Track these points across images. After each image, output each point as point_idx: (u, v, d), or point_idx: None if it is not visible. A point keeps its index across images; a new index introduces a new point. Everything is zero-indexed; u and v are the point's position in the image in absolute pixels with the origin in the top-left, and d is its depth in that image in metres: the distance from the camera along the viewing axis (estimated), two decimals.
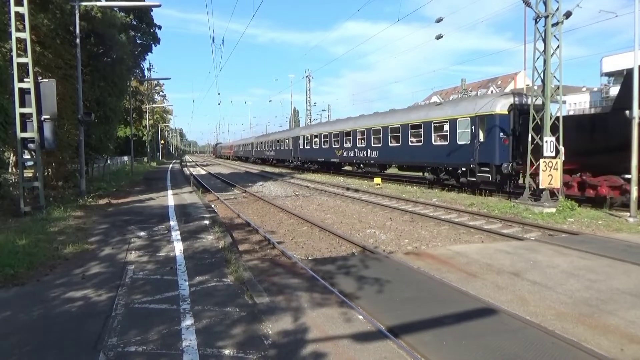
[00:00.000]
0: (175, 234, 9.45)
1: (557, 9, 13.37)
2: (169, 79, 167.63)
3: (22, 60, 11.36)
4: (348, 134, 28.27)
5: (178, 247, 8.19)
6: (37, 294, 5.60)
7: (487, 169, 16.49)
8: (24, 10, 11.21)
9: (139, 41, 27.40)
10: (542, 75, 13.80)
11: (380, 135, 24.05)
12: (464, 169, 17.77)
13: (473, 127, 17.07)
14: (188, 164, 66.27)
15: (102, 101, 20.16)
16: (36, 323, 4.70)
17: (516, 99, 16.38)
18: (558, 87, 13.74)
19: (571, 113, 33.50)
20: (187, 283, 6.02)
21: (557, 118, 13.64)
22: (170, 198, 16.64)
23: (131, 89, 34.25)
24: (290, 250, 9.03)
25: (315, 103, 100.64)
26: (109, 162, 29.30)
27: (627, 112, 12.32)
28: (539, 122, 13.81)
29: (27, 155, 12.14)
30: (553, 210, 12.80)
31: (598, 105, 46.39)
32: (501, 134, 16.07)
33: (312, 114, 56.53)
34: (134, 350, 4.04)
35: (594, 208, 13.33)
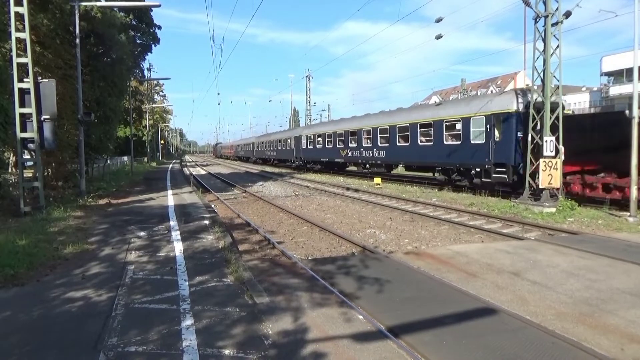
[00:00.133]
0: (175, 234, 9.45)
1: (557, 8, 13.37)
2: (169, 79, 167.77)
3: (22, 60, 11.36)
4: (353, 133, 27.59)
5: (178, 247, 8.19)
6: (37, 294, 5.60)
7: (504, 169, 15.75)
8: (23, 10, 11.21)
9: (138, 41, 27.41)
10: (542, 75, 13.80)
11: (388, 135, 23.36)
12: (478, 170, 17.06)
13: (488, 126, 16.38)
14: (188, 164, 66.25)
15: (102, 101, 20.16)
16: (36, 323, 4.70)
17: (536, 95, 15.55)
18: (558, 87, 13.74)
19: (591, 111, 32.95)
20: (187, 283, 6.02)
21: (557, 117, 13.63)
22: (170, 198, 16.64)
23: (131, 89, 34.25)
24: (290, 250, 9.03)
25: (315, 103, 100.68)
26: (108, 162, 29.30)
27: (627, 111, 12.34)
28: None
29: (27, 156, 12.14)
30: (553, 209, 12.80)
31: (598, 105, 46.42)
32: (519, 133, 15.30)
33: (312, 113, 56.54)
34: (134, 350, 4.04)
35: (594, 208, 13.33)
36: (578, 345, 4.32)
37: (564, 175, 14.44)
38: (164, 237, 9.16)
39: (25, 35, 11.27)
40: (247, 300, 5.40)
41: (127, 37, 22.97)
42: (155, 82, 63.58)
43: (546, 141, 13.28)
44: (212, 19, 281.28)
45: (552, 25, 13.43)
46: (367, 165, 26.49)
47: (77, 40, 15.20)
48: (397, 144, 22.60)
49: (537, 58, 13.85)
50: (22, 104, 11.31)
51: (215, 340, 4.27)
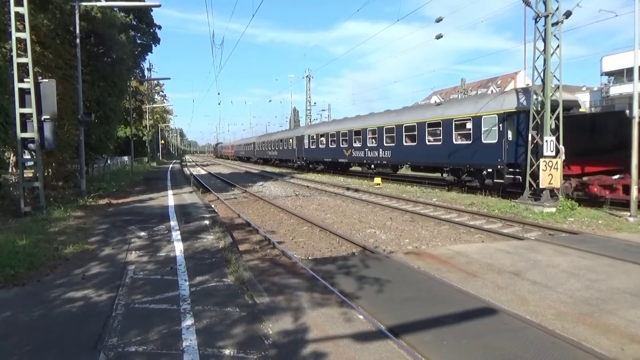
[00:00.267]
0: (176, 234, 9.45)
1: (557, 8, 13.37)
2: (169, 79, 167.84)
3: (22, 60, 11.36)
4: (358, 132, 27.09)
5: (178, 247, 8.19)
6: (37, 294, 5.60)
7: (517, 170, 15.22)
8: (24, 10, 11.22)
9: (138, 41, 27.42)
10: (542, 74, 13.80)
11: (394, 134, 22.88)
12: (489, 170, 16.49)
13: (501, 125, 15.83)
14: (188, 164, 66.27)
15: (102, 101, 20.17)
16: (36, 323, 4.70)
17: (549, 93, 14.80)
18: (558, 87, 13.73)
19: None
20: (187, 283, 6.02)
21: (558, 117, 13.63)
22: (170, 198, 16.64)
23: (131, 89, 34.25)
24: (290, 250, 9.03)
25: (315, 103, 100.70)
26: (109, 162, 29.31)
27: (627, 111, 12.33)
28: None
29: (27, 156, 12.14)
30: (553, 209, 12.80)
31: (598, 105, 46.41)
32: (532, 133, 14.48)
33: (312, 113, 56.55)
34: (134, 350, 4.04)
35: (594, 208, 13.33)
36: (578, 345, 4.32)
37: (581, 175, 14.09)
38: (164, 237, 9.16)
39: (26, 35, 11.27)
40: (248, 300, 5.40)
41: (127, 37, 22.98)
42: (155, 82, 63.69)
43: (546, 141, 13.27)
44: (212, 19, 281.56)
45: (553, 25, 13.43)
46: (372, 166, 26.02)
47: (77, 40, 15.21)
48: (404, 143, 22.10)
49: (538, 58, 13.85)
50: (23, 104, 11.31)
51: (215, 340, 4.28)
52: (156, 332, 4.44)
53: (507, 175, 15.67)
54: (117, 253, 7.80)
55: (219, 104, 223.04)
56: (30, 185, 12.24)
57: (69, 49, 16.27)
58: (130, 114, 35.99)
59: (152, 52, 36.66)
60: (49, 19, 15.40)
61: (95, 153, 21.67)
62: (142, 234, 9.56)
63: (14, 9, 11.18)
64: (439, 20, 18.50)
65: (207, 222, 11.04)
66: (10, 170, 14.34)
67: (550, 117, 13.61)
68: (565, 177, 14.02)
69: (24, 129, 11.44)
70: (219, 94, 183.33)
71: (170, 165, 53.76)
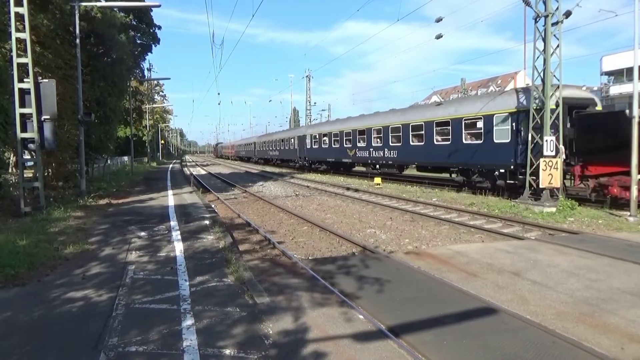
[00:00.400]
0: (176, 234, 9.45)
1: (557, 8, 13.36)
2: (169, 79, 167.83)
3: (22, 60, 11.37)
4: (362, 132, 26.47)
5: (178, 247, 8.19)
6: (37, 294, 5.60)
7: (531, 170, 14.40)
8: (23, 10, 11.22)
9: (138, 41, 27.43)
10: (542, 74, 13.79)
11: (400, 134, 22.28)
12: (502, 171, 15.88)
13: (514, 124, 15.20)
14: (188, 164, 66.28)
15: (102, 101, 20.17)
16: (37, 323, 4.70)
17: (567, 91, 14.53)
18: (558, 87, 13.73)
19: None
20: (187, 283, 6.02)
21: (558, 117, 13.62)
22: (170, 198, 16.64)
23: (131, 89, 34.26)
24: (290, 250, 9.03)
25: (315, 103, 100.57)
26: (109, 162, 29.31)
27: (627, 110, 12.33)
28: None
29: (27, 156, 12.14)
30: (553, 209, 12.80)
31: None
32: (550, 131, 13.97)
33: (312, 113, 56.53)
34: (134, 350, 4.04)
35: (594, 207, 13.32)
36: (578, 345, 4.32)
37: (598, 176, 13.63)
38: (164, 237, 9.16)
39: (26, 35, 11.27)
40: (248, 300, 5.40)
41: (127, 37, 22.98)
42: (155, 82, 63.68)
43: (546, 141, 13.26)
44: (212, 19, 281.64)
45: (552, 24, 13.43)
46: (377, 166, 25.50)
47: (77, 41, 15.21)
48: (411, 143, 21.51)
49: (538, 58, 13.85)
50: (23, 104, 11.32)
51: (215, 340, 4.28)
52: (156, 332, 4.44)
53: (520, 176, 15.07)
54: (117, 253, 7.80)
55: (219, 104, 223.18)
56: (30, 185, 12.24)
57: (69, 49, 16.27)
58: (130, 114, 36.00)
59: (152, 52, 36.71)
60: (48, 19, 15.41)
61: (95, 153, 21.67)
62: (142, 234, 9.56)
63: (13, 9, 11.18)
64: (439, 20, 18.50)
65: (207, 222, 11.04)
66: (10, 170, 14.35)
67: (560, 116, 13.11)
68: (583, 177, 13.58)
69: (24, 129, 11.44)
70: (219, 94, 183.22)
71: (170, 166, 53.77)
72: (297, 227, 11.94)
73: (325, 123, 39.38)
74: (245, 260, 7.67)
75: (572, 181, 15.17)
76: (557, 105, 13.70)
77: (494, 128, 16.18)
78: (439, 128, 19.44)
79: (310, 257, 8.44)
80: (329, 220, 12.95)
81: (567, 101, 14.17)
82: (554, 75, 13.70)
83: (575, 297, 5.76)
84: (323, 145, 32.94)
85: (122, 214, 12.63)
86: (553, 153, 13.29)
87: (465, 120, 17.77)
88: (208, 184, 25.42)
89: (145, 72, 43.22)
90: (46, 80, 11.98)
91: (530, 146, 14.01)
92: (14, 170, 14.01)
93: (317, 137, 34.11)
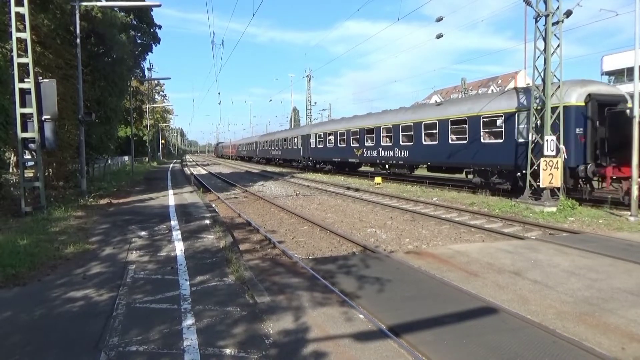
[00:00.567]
0: (176, 234, 9.45)
1: (558, 7, 13.35)
2: (169, 78, 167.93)
3: (23, 60, 11.37)
4: (370, 131, 25.64)
5: (179, 247, 8.20)
6: (38, 294, 5.61)
7: None
8: (24, 10, 11.22)
9: (139, 41, 27.39)
10: (542, 74, 13.78)
11: (412, 133, 21.43)
12: (525, 172, 14.63)
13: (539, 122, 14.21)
14: (188, 163, 66.32)
15: (103, 101, 20.17)
16: (37, 323, 4.71)
17: (594, 87, 14.06)
18: (558, 86, 13.72)
19: None
20: (188, 283, 6.02)
21: (558, 116, 13.61)
22: (171, 198, 16.65)
23: (131, 88, 34.27)
24: (291, 249, 9.03)
25: (315, 102, 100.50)
26: (109, 162, 29.33)
27: (628, 110, 12.31)
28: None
29: (27, 156, 12.14)
30: (554, 209, 12.79)
31: None
32: (577, 130, 13.58)
33: (313, 113, 56.41)
34: (135, 350, 4.05)
35: (594, 207, 13.31)
36: (579, 345, 4.32)
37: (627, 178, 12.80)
38: (164, 237, 9.16)
39: (26, 35, 11.28)
40: (248, 299, 5.41)
41: (128, 37, 22.97)
42: (155, 81, 63.67)
43: (547, 140, 13.25)
44: (213, 19, 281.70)
45: (553, 24, 13.42)
46: (387, 166, 24.87)
47: (78, 40, 15.22)
48: (423, 142, 20.65)
49: (538, 57, 13.84)
50: (23, 104, 11.32)
51: (216, 339, 4.28)
52: (157, 331, 4.44)
53: None
54: (118, 253, 7.81)
55: (220, 103, 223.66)
56: (31, 185, 12.25)
57: (70, 49, 16.27)
58: (131, 113, 36.00)
59: (152, 52, 36.79)
60: (49, 19, 15.42)
61: (96, 153, 21.68)
62: (143, 233, 9.56)
63: (14, 9, 11.19)
64: (439, 19, 18.47)
65: (207, 221, 11.05)
66: (11, 170, 14.37)
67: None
68: (617, 180, 13.08)
69: (24, 129, 11.45)
70: (219, 93, 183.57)
71: (171, 165, 53.77)
72: (297, 227, 11.94)
73: (330, 122, 38.18)
74: (245, 259, 7.68)
75: (600, 183, 14.45)
76: (585, 102, 13.09)
77: (517, 127, 15.28)
78: (455, 126, 18.60)
79: (310, 257, 8.44)
80: (330, 220, 12.96)
81: (595, 98, 13.50)
82: (555, 75, 13.69)
83: (575, 296, 5.76)
84: (328, 145, 32.08)
85: (122, 213, 12.64)
86: (554, 153, 13.28)
87: (483, 118, 16.93)
88: (208, 184, 25.43)
89: (146, 72, 43.19)
90: (47, 80, 11.98)
91: (531, 145, 13.97)
92: (15, 170, 14.03)
93: (322, 136, 33.21)
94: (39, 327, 4.59)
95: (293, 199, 18.11)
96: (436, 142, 19.80)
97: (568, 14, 13.36)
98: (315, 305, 5.32)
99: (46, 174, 15.13)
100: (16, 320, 4.80)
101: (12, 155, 14.23)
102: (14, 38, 11.27)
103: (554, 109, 13.70)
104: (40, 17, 14.74)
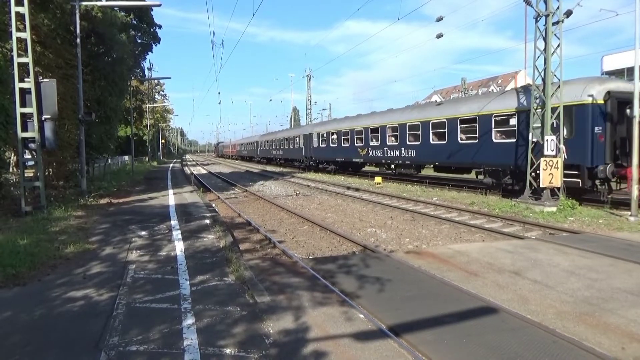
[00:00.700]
0: (176, 234, 9.46)
1: (558, 7, 13.34)
2: (170, 78, 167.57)
3: (23, 60, 11.37)
4: (375, 130, 25.19)
5: (179, 247, 8.20)
6: (38, 294, 5.61)
7: (576, 172, 13.50)
8: (24, 10, 11.22)
9: (139, 40, 27.38)
10: (542, 74, 13.78)
11: (419, 132, 21.00)
12: (539, 172, 13.93)
13: (555, 121, 13.71)
14: (189, 163, 66.32)
15: (103, 101, 20.17)
16: (38, 323, 4.71)
17: (612, 84, 13.61)
18: (559, 86, 13.72)
19: None
20: (188, 282, 6.02)
21: (558, 116, 13.61)
22: (171, 197, 16.65)
23: (132, 88, 34.27)
24: (291, 249, 9.03)
25: (315, 102, 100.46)
26: (109, 161, 29.33)
27: (628, 110, 12.31)
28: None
29: (28, 155, 12.14)
30: (554, 209, 12.79)
31: None
32: (596, 129, 13.06)
33: (313, 113, 56.40)
34: (135, 350, 4.05)
35: (594, 207, 13.31)
36: (579, 345, 4.32)
37: None
38: (165, 237, 9.17)
39: (26, 35, 11.28)
40: (248, 299, 5.41)
41: (128, 36, 22.98)
42: (155, 81, 63.70)
43: (547, 140, 13.25)
44: (213, 18, 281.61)
45: (553, 24, 13.41)
46: (393, 166, 24.49)
47: (78, 40, 15.21)
48: (431, 141, 20.24)
49: (538, 57, 13.84)
50: (23, 104, 11.32)
51: (216, 339, 4.28)
52: (157, 331, 4.44)
53: (563, 179, 13.68)
54: (118, 252, 7.81)
55: (220, 103, 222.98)
56: (31, 184, 12.25)
57: (70, 48, 16.27)
58: (131, 113, 36.01)
59: (152, 52, 36.77)
60: (49, 19, 15.42)
61: (96, 152, 21.69)
62: (143, 233, 9.57)
63: (14, 8, 11.19)
64: (439, 19, 18.45)
65: (207, 221, 11.05)
66: (11, 169, 14.37)
67: (621, 111, 12.00)
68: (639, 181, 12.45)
69: (24, 128, 11.45)
70: (219, 93, 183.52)
71: (171, 165, 53.77)
72: (297, 226, 11.94)
73: (333, 121, 37.47)
74: (245, 259, 7.68)
75: (619, 184, 13.96)
76: (605, 99, 12.86)
77: (531, 125, 14.59)
78: (464, 126, 18.18)
79: (310, 257, 8.45)
80: (330, 220, 12.96)
81: (615, 95, 13.09)
82: (555, 75, 13.68)
83: (575, 296, 5.76)
84: (332, 144, 31.42)
85: (122, 213, 12.64)
86: (554, 152, 13.28)
87: (495, 116, 16.50)
88: (209, 183, 25.43)
89: (146, 72, 43.20)
90: (47, 80, 11.99)
91: (531, 145, 13.97)
92: (15, 169, 14.03)
93: (325, 135, 32.55)
94: (39, 327, 4.59)
95: (293, 199, 18.11)
96: (445, 142, 19.37)
97: (568, 13, 13.35)
98: (316, 305, 5.32)
99: (46, 173, 15.13)
100: (16, 320, 4.80)
101: (12, 154, 14.23)
102: (14, 38, 11.27)
103: (569, 107, 13.43)
104: (40, 17, 14.74)
